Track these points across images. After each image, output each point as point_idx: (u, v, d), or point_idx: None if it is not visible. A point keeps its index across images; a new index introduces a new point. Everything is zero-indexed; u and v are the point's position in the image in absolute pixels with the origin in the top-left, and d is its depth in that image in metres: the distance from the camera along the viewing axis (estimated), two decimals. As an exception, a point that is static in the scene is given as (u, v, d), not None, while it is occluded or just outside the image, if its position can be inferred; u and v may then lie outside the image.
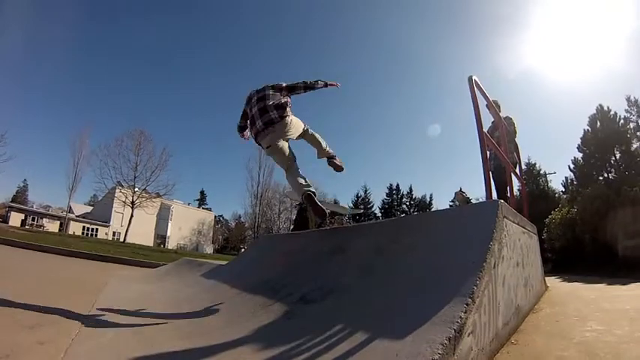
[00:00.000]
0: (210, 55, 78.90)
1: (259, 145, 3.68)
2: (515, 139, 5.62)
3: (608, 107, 20.68)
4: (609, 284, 7.17)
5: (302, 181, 3.59)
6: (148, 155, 31.52)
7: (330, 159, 4.14)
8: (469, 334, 1.50)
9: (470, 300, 1.58)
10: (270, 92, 3.68)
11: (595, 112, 21.01)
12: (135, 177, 30.56)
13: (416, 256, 2.33)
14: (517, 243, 2.74)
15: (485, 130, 5.90)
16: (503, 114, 5.13)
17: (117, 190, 32.77)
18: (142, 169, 30.87)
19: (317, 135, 4.01)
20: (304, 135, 3.90)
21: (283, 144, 3.66)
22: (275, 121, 3.50)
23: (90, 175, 32.07)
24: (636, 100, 20.58)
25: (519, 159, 5.74)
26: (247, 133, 4.17)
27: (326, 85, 3.98)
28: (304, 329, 1.93)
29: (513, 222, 2.70)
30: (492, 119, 4.98)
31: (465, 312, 1.51)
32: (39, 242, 10.24)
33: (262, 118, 3.53)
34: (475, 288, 1.64)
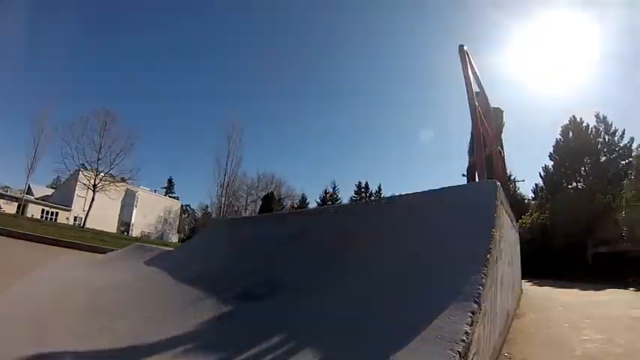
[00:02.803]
0: (178, 37, 75.87)
1: None
2: (502, 136, 5.25)
3: (580, 118, 21.10)
4: (582, 289, 7.10)
5: None
6: (114, 137, 29.77)
7: None
8: (473, 356, 1.02)
9: (476, 306, 1.10)
10: None
11: (568, 122, 21.41)
12: (98, 159, 28.97)
13: (397, 244, 1.82)
14: (509, 237, 2.32)
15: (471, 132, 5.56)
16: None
17: (80, 174, 31.05)
18: (106, 151, 29.31)
19: None
20: None
21: None
22: None
23: (51, 155, 30.08)
24: (604, 117, 21.09)
25: (503, 156, 5.40)
26: None
27: None
28: (235, 336, 1.43)
29: (506, 211, 2.27)
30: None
31: (472, 324, 1.03)
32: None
33: None
34: (481, 290, 1.17)
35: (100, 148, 29.25)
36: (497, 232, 1.53)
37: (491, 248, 1.37)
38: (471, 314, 1.07)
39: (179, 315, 1.84)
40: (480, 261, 1.30)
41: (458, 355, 0.92)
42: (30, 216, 33.54)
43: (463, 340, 0.97)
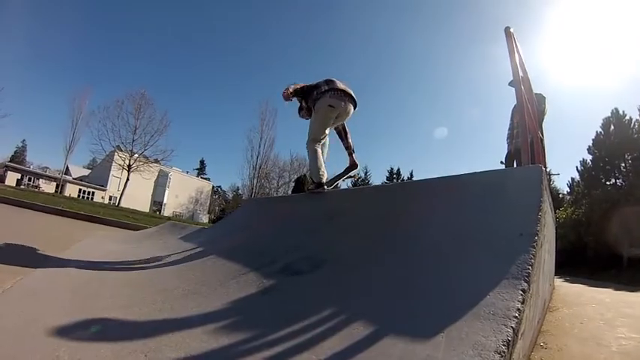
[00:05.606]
0: (211, 22, 76.80)
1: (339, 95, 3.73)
2: (543, 123, 5.06)
3: (623, 112, 19.96)
4: (616, 289, 6.85)
5: (322, 167, 3.62)
6: (148, 119, 30.41)
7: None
8: (521, 336, 1.04)
9: (526, 285, 1.09)
10: None
11: (610, 115, 20.30)
12: (133, 140, 29.77)
13: (439, 224, 1.85)
14: (550, 226, 2.26)
15: (510, 113, 5.35)
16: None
17: (115, 154, 32.07)
18: (140, 132, 30.02)
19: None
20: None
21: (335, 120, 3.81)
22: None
23: (88, 137, 31.19)
24: (647, 111, 19.76)
25: (543, 145, 5.20)
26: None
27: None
28: (282, 309, 1.48)
29: (548, 199, 2.21)
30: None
31: (523, 302, 1.03)
32: (25, 199, 9.80)
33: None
34: (531, 269, 1.16)
35: (135, 130, 30.02)
36: (543, 216, 1.50)
37: (538, 230, 1.35)
38: (522, 292, 1.07)
39: (220, 289, 1.91)
40: (528, 241, 1.30)
41: (512, 331, 0.93)
42: (68, 195, 35.25)
43: (516, 317, 0.98)
